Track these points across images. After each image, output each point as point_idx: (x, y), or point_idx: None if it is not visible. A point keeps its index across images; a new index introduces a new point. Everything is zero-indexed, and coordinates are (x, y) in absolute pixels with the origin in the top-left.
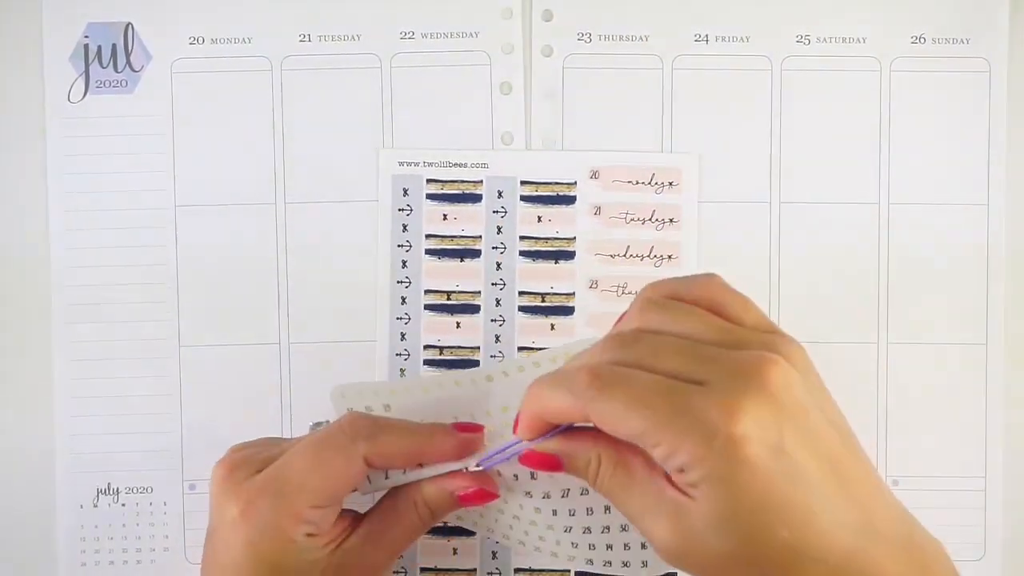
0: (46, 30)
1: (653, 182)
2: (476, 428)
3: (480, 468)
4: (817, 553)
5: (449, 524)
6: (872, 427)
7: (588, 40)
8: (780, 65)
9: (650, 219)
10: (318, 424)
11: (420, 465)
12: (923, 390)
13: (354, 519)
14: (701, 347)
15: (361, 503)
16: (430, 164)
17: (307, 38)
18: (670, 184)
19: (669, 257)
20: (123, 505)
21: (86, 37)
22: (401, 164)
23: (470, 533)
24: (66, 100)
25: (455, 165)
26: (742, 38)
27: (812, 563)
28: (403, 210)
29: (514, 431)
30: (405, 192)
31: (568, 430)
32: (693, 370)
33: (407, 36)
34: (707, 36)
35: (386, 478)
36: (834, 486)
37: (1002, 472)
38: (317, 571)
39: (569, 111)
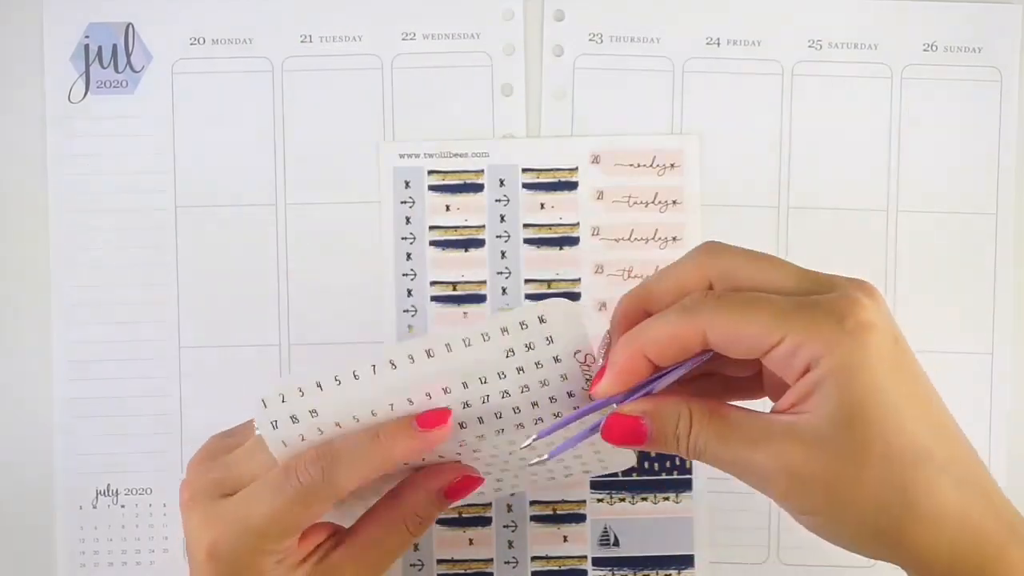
0: (47, 30)
1: (655, 164)
2: (441, 418)
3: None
4: (941, 452)
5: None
6: None
7: (599, 41)
8: (791, 70)
9: (653, 201)
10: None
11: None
12: None
13: (336, 532)
14: (801, 269)
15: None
16: (431, 155)
17: (308, 39)
18: (672, 166)
19: (674, 239)
20: (122, 507)
21: (87, 37)
22: (402, 156)
23: (485, 523)
24: (67, 100)
25: (456, 155)
26: (753, 42)
27: (939, 472)
28: (405, 202)
29: (591, 390)
30: (407, 184)
31: (647, 394)
32: (804, 288)
33: (408, 37)
34: (719, 39)
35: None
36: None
37: (1006, 481)
38: None
39: (579, 111)
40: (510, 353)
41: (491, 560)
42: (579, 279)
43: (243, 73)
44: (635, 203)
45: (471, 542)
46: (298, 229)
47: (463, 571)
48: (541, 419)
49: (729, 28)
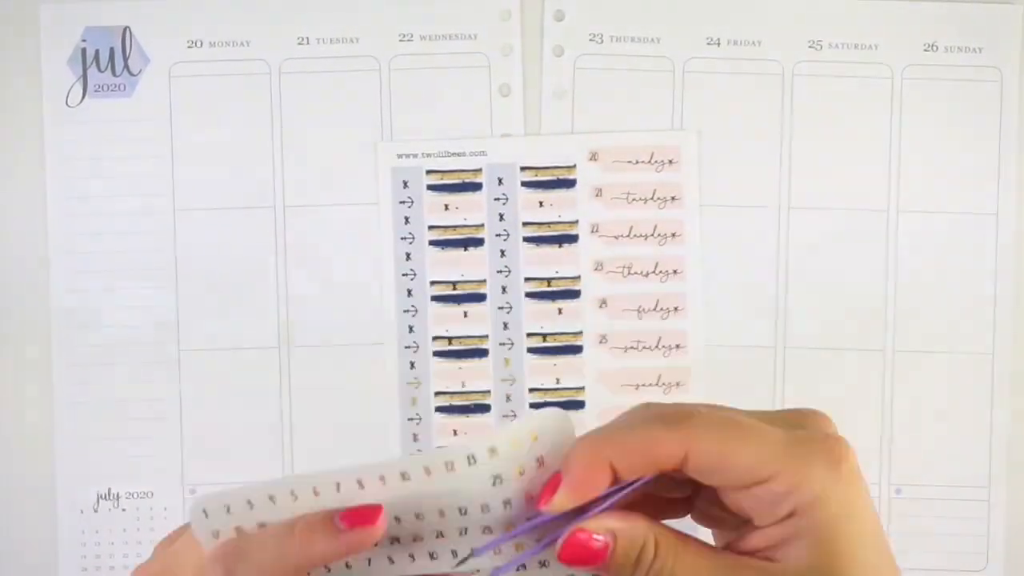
0: (44, 34)
1: (653, 160)
2: (371, 516)
3: None
4: None
5: None
6: (877, 434)
7: (600, 41)
8: (792, 70)
9: (652, 198)
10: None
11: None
12: (929, 398)
13: None
14: (773, 413)
15: None
16: (429, 155)
17: (305, 41)
18: (670, 162)
19: (673, 235)
20: (123, 510)
21: (84, 41)
22: (400, 156)
23: None
24: (64, 104)
25: (454, 155)
26: (754, 42)
27: None
28: (404, 202)
29: (539, 504)
30: (405, 184)
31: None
32: (774, 418)
33: (405, 38)
34: (719, 39)
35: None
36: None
37: (1006, 482)
38: None
39: (580, 111)
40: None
41: None
42: (578, 276)
43: (241, 75)
44: (634, 200)
45: None
46: (297, 231)
47: None
48: (489, 528)
49: (729, 28)
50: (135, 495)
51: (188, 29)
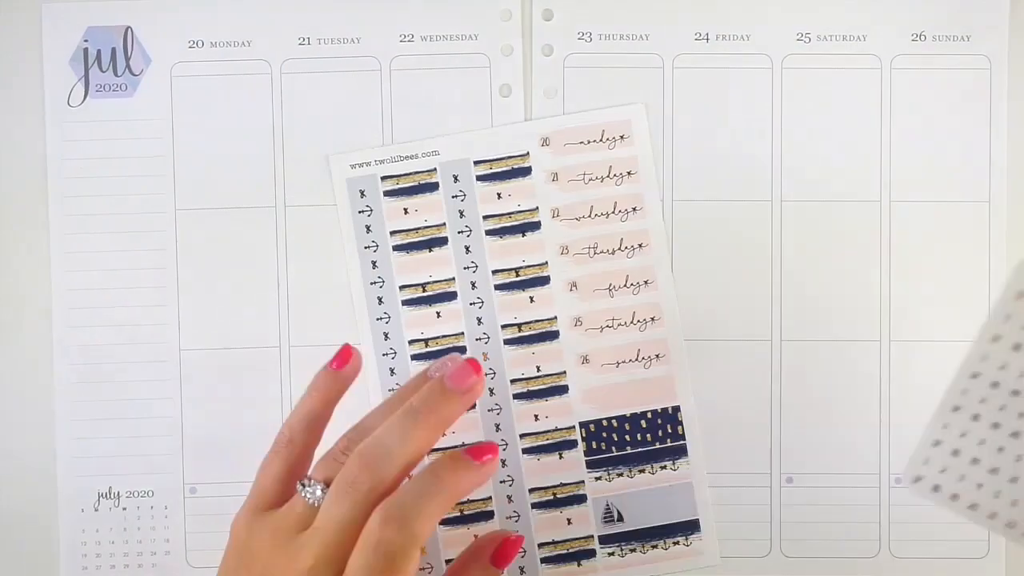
0: (46, 34)
1: (604, 138)
2: (491, 448)
3: None
4: None
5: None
6: (874, 424)
7: (588, 39)
8: (781, 63)
9: (608, 175)
10: (303, 486)
11: None
12: (924, 388)
13: None
14: None
15: None
16: (381, 161)
17: (306, 41)
18: (621, 137)
19: (634, 209)
20: (124, 509)
21: (85, 41)
22: (353, 167)
23: (488, 517)
24: (66, 104)
25: (406, 158)
26: (742, 36)
27: None
28: (363, 212)
29: None
30: (362, 194)
31: None
32: None
33: (406, 39)
34: (707, 35)
35: None
36: None
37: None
38: None
39: (570, 110)
40: None
41: None
42: (546, 262)
43: (242, 75)
44: (591, 180)
45: (476, 538)
46: (297, 231)
47: None
48: None
49: (717, 23)
50: (136, 494)
51: (189, 29)
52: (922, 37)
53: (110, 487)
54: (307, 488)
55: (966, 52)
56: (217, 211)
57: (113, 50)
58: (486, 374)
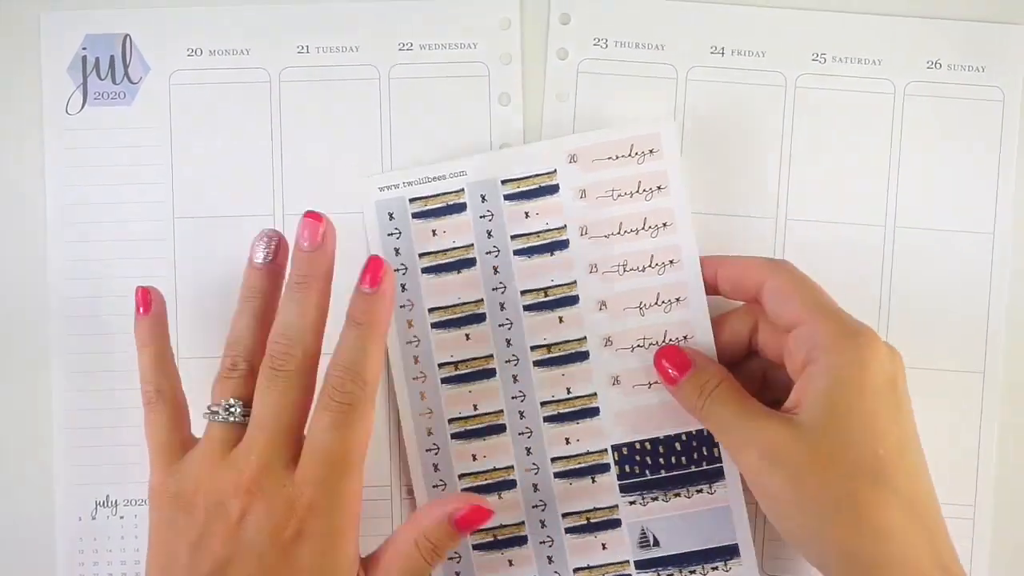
0: (44, 42)
1: (633, 153)
2: (375, 265)
3: None
4: (896, 484)
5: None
6: None
7: (604, 46)
8: (794, 82)
9: (637, 191)
10: (212, 412)
11: None
12: (919, 416)
13: (363, 563)
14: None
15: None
16: (410, 183)
17: (305, 49)
18: (651, 152)
19: (664, 225)
20: (121, 517)
21: (84, 49)
22: (382, 189)
23: (522, 542)
24: (64, 112)
25: (434, 179)
26: (758, 53)
27: (893, 494)
28: (392, 234)
29: None
30: (391, 216)
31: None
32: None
33: (405, 47)
34: (723, 49)
35: None
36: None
37: (992, 501)
38: None
39: (581, 114)
40: None
41: None
42: (575, 281)
43: (241, 84)
44: (619, 195)
45: (511, 563)
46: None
47: None
48: None
49: (734, 38)
50: (133, 502)
51: (188, 37)
52: (937, 65)
53: (107, 495)
54: (220, 410)
55: (980, 83)
56: (216, 219)
57: (112, 58)
58: (516, 397)
